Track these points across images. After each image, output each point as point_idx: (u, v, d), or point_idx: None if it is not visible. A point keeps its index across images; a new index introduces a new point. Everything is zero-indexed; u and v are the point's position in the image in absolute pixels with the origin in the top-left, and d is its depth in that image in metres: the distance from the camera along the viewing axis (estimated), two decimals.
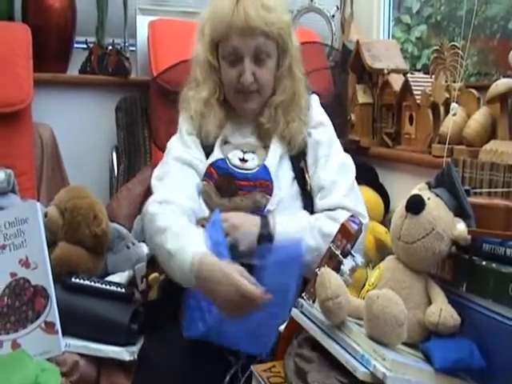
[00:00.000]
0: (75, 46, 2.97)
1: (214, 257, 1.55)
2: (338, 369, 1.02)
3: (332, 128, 1.99)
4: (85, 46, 2.97)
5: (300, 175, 1.88)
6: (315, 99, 2.02)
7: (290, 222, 1.75)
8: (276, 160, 1.86)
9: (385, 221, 2.50)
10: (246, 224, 1.72)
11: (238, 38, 1.81)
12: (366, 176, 2.44)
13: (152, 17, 3.01)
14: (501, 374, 0.98)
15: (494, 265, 1.02)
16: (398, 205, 1.19)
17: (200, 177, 1.86)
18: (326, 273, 1.08)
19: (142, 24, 3.01)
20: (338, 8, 3.35)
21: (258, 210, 1.79)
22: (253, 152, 1.88)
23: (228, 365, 1.61)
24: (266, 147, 1.90)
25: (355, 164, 1.95)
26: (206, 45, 1.87)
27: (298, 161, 1.90)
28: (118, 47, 2.97)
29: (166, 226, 1.68)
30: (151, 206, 1.77)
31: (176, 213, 1.73)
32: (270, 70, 1.87)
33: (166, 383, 1.58)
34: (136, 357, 1.74)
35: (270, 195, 1.81)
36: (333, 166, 1.88)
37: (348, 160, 1.93)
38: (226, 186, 1.82)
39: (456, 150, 2.16)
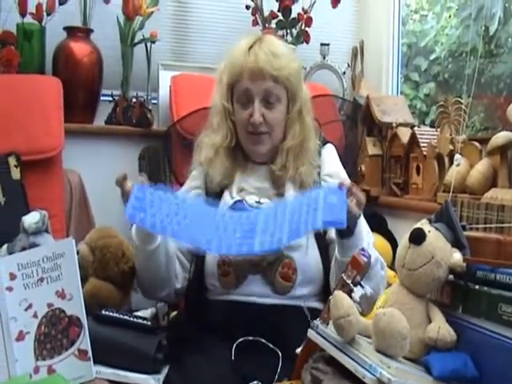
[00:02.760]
0: (101, 98, 3.12)
1: None
2: (349, 378, 1.15)
3: (346, 176, 2.05)
4: (110, 98, 3.12)
5: None
6: (329, 150, 2.10)
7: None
8: None
9: (393, 266, 2.58)
10: None
11: (248, 81, 1.93)
12: (376, 224, 2.51)
13: (173, 72, 3.13)
14: (491, 382, 1.10)
15: (485, 288, 1.14)
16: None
17: None
18: (339, 295, 1.21)
19: (164, 78, 3.13)
20: (348, 65, 3.47)
21: None
22: (268, 199, 1.97)
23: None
24: (280, 195, 1.98)
25: (365, 213, 2.04)
26: (223, 91, 2.00)
27: None
28: (142, 100, 3.11)
29: None
30: None
31: None
32: (280, 114, 1.97)
33: None
34: None
35: None
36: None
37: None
38: None
39: (459, 198, 2.22)
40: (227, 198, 1.99)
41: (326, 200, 1.66)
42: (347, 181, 1.76)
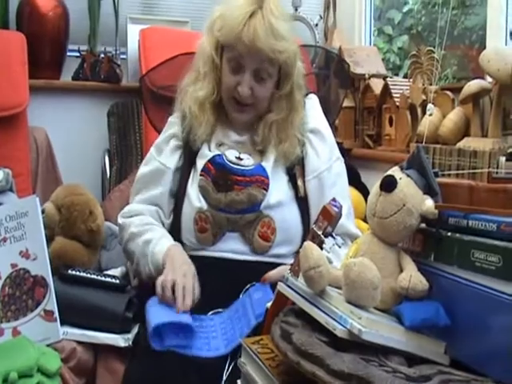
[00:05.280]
0: (68, 53, 3.05)
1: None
2: (319, 330, 1.12)
3: (331, 134, 2.03)
4: (77, 53, 3.04)
5: (293, 180, 1.93)
6: (313, 101, 2.05)
7: None
8: (271, 163, 1.91)
9: (366, 218, 2.56)
10: None
11: (243, 52, 1.82)
12: (349, 176, 2.50)
13: (142, 25, 3.04)
14: (463, 329, 1.07)
15: (457, 235, 1.11)
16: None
17: (168, 179, 1.97)
18: (309, 246, 1.17)
19: (133, 32, 3.06)
20: (321, 17, 3.42)
21: (254, 205, 1.85)
22: (249, 154, 1.94)
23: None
24: (261, 152, 1.94)
25: None
26: (213, 42, 1.90)
27: (292, 167, 1.94)
28: (110, 55, 3.06)
29: (138, 230, 1.93)
30: (119, 219, 2.02)
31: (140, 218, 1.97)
32: (268, 89, 1.90)
33: (158, 367, 1.61)
34: (131, 343, 1.78)
35: (266, 190, 1.86)
36: (335, 183, 1.95)
37: (345, 170, 2.02)
38: (222, 180, 1.88)
39: (432, 149, 2.23)
40: (206, 152, 1.94)
41: (252, 299, 1.71)
42: (270, 274, 1.76)
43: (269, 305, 1.43)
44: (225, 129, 1.98)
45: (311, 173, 1.94)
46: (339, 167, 2.00)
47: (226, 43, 1.88)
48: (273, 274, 1.74)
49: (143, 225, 1.95)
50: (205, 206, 1.87)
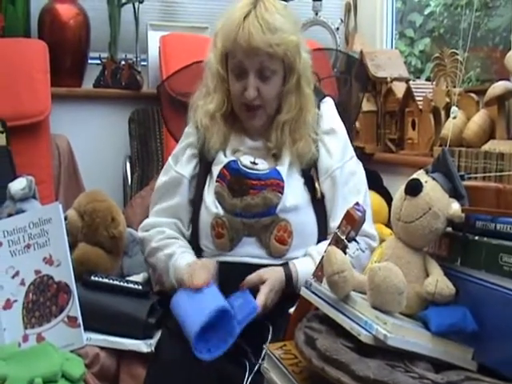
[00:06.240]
0: (89, 61, 3.07)
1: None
2: (344, 336, 1.11)
3: (345, 134, 2.02)
4: (98, 61, 3.06)
5: (309, 183, 1.92)
6: (328, 103, 2.04)
7: (309, 265, 1.80)
8: (286, 166, 1.90)
9: (389, 223, 2.55)
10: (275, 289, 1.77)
11: (242, 55, 1.83)
12: (371, 181, 2.48)
13: (162, 32, 3.07)
14: (491, 335, 1.06)
15: (485, 239, 1.10)
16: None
17: (185, 189, 1.98)
18: (333, 250, 1.16)
19: (153, 39, 3.08)
20: (342, 21, 3.41)
21: (270, 208, 1.85)
22: (263, 159, 1.93)
23: (241, 356, 1.66)
24: (275, 156, 1.93)
25: None
26: (217, 56, 1.90)
27: (308, 169, 1.93)
28: (131, 62, 3.06)
29: (158, 245, 1.95)
30: (139, 232, 2.05)
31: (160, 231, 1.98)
32: (275, 86, 1.89)
33: (178, 374, 1.63)
34: (153, 349, 1.77)
35: (281, 194, 1.85)
36: (348, 181, 1.93)
37: (360, 169, 2.00)
38: (237, 185, 1.88)
39: (457, 151, 2.20)
40: (221, 159, 1.94)
41: (235, 306, 1.68)
42: (248, 278, 1.79)
43: (291, 310, 1.42)
44: (239, 136, 1.97)
45: (324, 173, 1.94)
46: (352, 166, 1.98)
47: (227, 51, 1.88)
48: (250, 278, 1.77)
49: (164, 239, 1.96)
50: (221, 211, 1.87)
